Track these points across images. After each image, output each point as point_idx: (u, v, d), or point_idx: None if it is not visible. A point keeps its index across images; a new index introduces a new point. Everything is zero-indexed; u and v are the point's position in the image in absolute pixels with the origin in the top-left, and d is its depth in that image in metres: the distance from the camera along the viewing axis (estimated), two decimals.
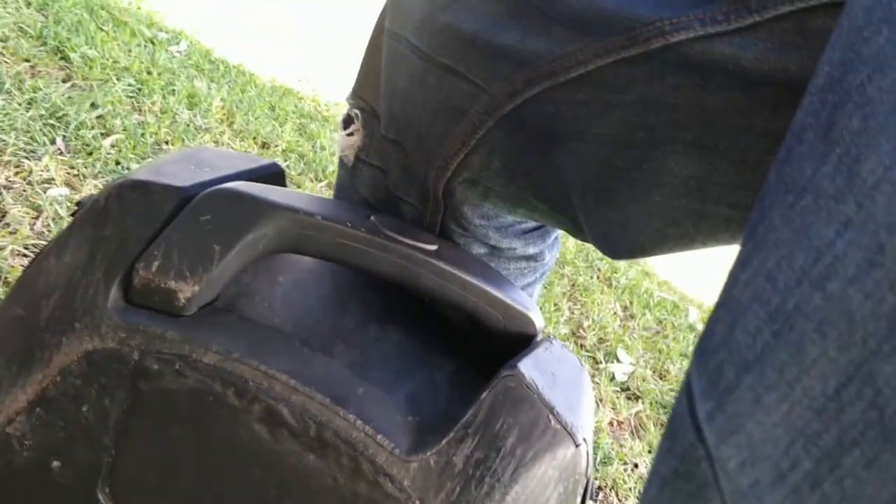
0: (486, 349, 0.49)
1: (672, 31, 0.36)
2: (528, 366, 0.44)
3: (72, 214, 0.44)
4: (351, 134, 0.53)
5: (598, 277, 2.06)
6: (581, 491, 0.45)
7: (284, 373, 0.41)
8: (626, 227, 0.44)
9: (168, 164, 0.45)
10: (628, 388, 1.58)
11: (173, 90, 1.72)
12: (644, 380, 1.63)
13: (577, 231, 0.49)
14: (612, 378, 1.58)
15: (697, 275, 2.59)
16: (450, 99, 0.45)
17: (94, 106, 1.47)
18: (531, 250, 0.55)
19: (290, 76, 2.48)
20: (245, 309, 0.43)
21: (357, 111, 0.53)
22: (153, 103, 1.61)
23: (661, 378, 1.70)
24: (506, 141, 0.45)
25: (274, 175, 0.49)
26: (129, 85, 1.63)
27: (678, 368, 1.77)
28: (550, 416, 0.43)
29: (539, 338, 0.49)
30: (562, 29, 0.40)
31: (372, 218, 0.45)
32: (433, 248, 0.45)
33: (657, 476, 0.25)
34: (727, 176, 0.39)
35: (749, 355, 0.22)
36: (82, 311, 0.41)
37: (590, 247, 2.27)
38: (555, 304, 1.78)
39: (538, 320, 0.49)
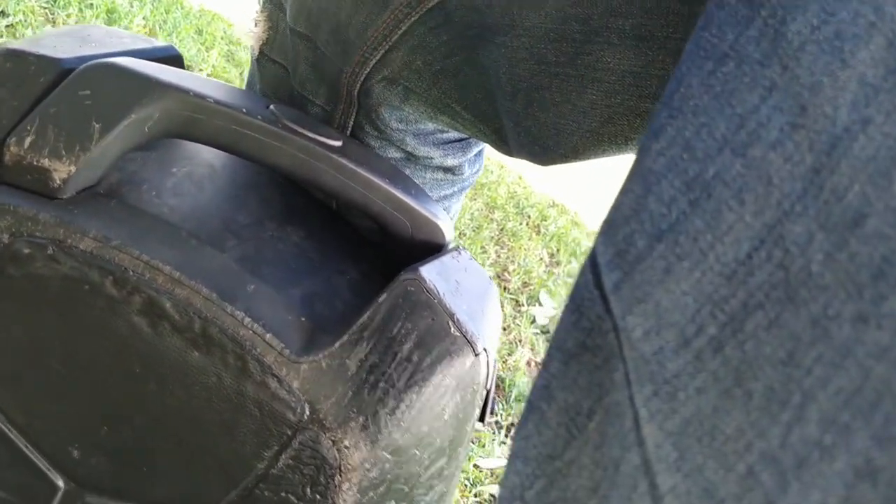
0: (391, 256, 0.48)
1: None
2: (430, 271, 0.42)
3: None
4: (256, 24, 0.49)
5: (527, 224, 2.06)
6: (480, 402, 0.44)
7: (168, 264, 0.38)
8: (559, 129, 0.42)
9: (50, 37, 0.41)
10: (548, 332, 1.60)
11: (91, 4, 1.64)
12: None
13: (500, 142, 0.47)
14: (533, 321, 1.60)
15: None
16: None
17: (3, 14, 1.39)
18: (450, 162, 0.53)
19: (221, 4, 2.39)
20: (129, 196, 0.40)
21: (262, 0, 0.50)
22: (68, 16, 1.53)
23: None
24: (430, 38, 0.42)
25: (171, 58, 0.45)
26: None
27: None
28: (450, 323, 0.41)
29: (449, 248, 0.48)
30: None
31: (271, 107, 0.42)
32: (337, 143, 0.43)
33: (561, 351, 0.25)
34: (665, 68, 0.37)
35: (662, 224, 0.22)
36: None
37: (521, 192, 2.27)
38: (482, 247, 1.78)
39: (448, 231, 0.48)
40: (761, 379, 0.19)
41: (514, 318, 1.57)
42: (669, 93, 0.23)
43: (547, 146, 0.43)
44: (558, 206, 2.44)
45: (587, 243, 2.19)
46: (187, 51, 1.78)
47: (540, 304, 1.69)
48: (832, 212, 0.18)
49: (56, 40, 0.41)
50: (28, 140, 0.37)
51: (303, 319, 0.40)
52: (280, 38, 0.48)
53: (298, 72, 0.48)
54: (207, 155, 0.46)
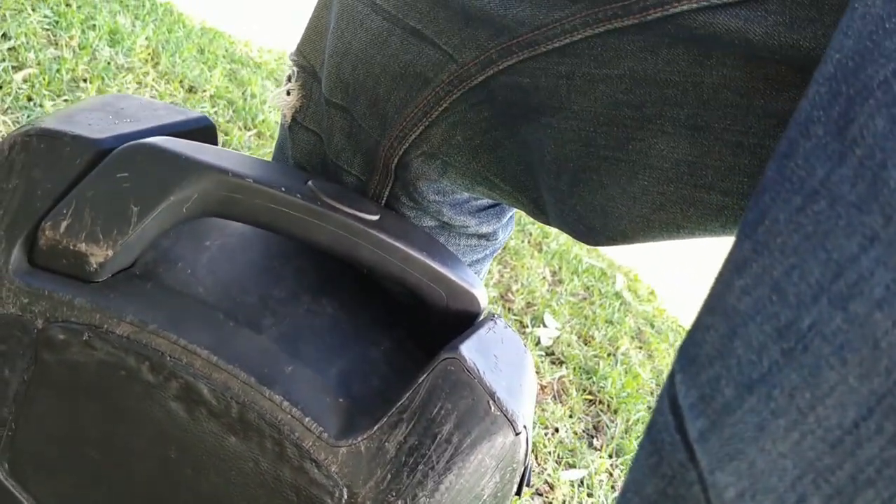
0: (427, 326, 0.47)
1: (672, 1, 0.33)
2: (469, 348, 0.41)
3: None
4: (288, 93, 0.49)
5: (528, 242, 2.05)
6: (518, 479, 0.44)
7: (206, 348, 0.37)
8: (607, 212, 0.41)
9: (82, 113, 0.40)
10: (553, 353, 1.58)
11: (94, 25, 1.63)
12: (569, 345, 1.64)
13: (538, 213, 0.46)
14: (538, 342, 1.59)
15: None
16: (414, 65, 0.42)
17: (5, 37, 1.38)
18: (485, 229, 0.52)
19: (222, 19, 2.39)
20: (165, 276, 0.40)
21: (296, 69, 0.49)
22: (71, 38, 1.53)
23: (585, 344, 1.71)
24: (471, 114, 0.42)
25: (203, 130, 0.45)
26: (46, 17, 1.54)
27: (603, 335, 1.79)
28: (490, 403, 0.40)
29: (483, 316, 0.47)
30: None
31: (310, 183, 0.41)
32: (374, 217, 0.42)
33: (639, 496, 0.23)
34: (722, 159, 0.36)
35: (753, 373, 0.20)
36: None
37: (520, 211, 2.25)
38: None
39: (483, 298, 0.47)
40: None
41: None
42: (751, 223, 0.22)
43: (593, 227, 0.42)
44: None
45: (588, 260, 2.19)
46: (190, 71, 1.77)
47: (544, 326, 1.68)
48: None
49: (89, 116, 0.40)
50: (64, 224, 0.37)
51: (340, 400, 0.39)
52: (314, 106, 0.48)
53: (333, 141, 0.47)
54: (237, 225, 0.46)
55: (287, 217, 0.40)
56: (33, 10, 1.52)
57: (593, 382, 1.52)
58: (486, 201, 0.50)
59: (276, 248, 0.46)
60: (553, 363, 1.55)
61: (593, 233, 0.42)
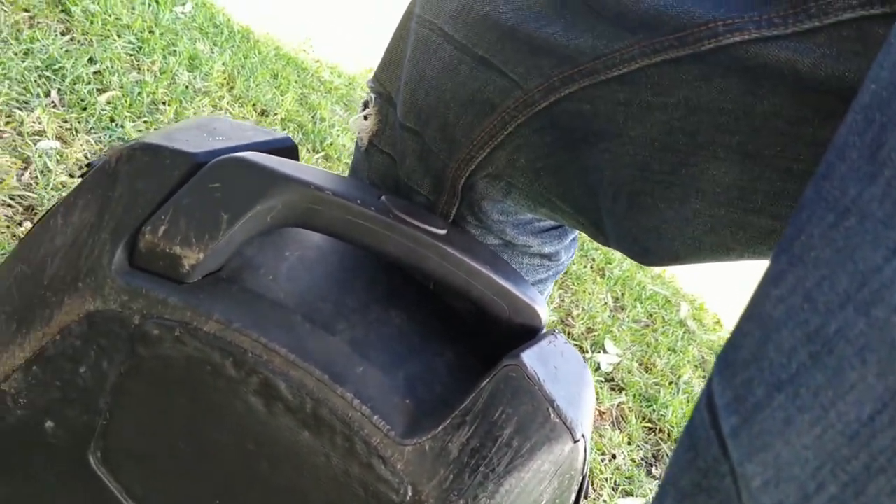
0: (489, 339, 0.49)
1: (725, 33, 0.35)
2: (530, 357, 0.43)
3: (81, 175, 0.43)
4: (366, 118, 0.52)
5: (591, 267, 2.05)
6: (576, 487, 0.45)
7: (284, 346, 0.40)
8: (660, 233, 0.42)
9: (180, 131, 0.44)
10: (612, 379, 1.57)
11: (175, 51, 1.71)
12: (629, 372, 1.62)
13: (598, 234, 0.48)
14: (598, 368, 1.58)
15: (691, 270, 2.58)
16: (482, 92, 0.44)
17: (91, 61, 1.45)
18: (547, 249, 0.54)
19: (294, 40, 2.46)
20: (249, 281, 0.43)
21: (374, 95, 0.52)
22: (153, 63, 1.60)
23: (646, 371, 1.69)
24: (535, 138, 0.44)
25: (287, 149, 0.48)
26: (130, 43, 1.61)
27: (665, 363, 1.76)
28: (550, 410, 0.42)
29: (544, 331, 0.49)
30: (607, 25, 0.39)
31: (383, 198, 0.44)
32: (442, 232, 0.45)
33: (675, 488, 0.25)
34: (771, 184, 0.37)
35: (782, 374, 0.22)
36: (86, 271, 0.40)
37: (584, 235, 2.25)
38: None
39: (544, 314, 0.49)
40: None
41: None
42: (788, 239, 0.23)
43: (647, 248, 0.44)
44: None
45: (652, 287, 2.16)
46: (263, 95, 1.84)
47: (605, 352, 1.66)
48: None
49: (186, 133, 0.44)
50: (162, 229, 0.40)
51: (407, 402, 0.42)
52: (389, 130, 0.51)
53: (405, 163, 0.50)
54: (315, 238, 0.49)
55: (362, 228, 0.43)
56: (119, 36, 1.60)
57: (653, 410, 1.51)
58: (548, 222, 0.52)
59: (348, 261, 0.49)
60: (612, 389, 1.54)
61: (648, 254, 0.44)
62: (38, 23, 1.47)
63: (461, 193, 0.49)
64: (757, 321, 0.23)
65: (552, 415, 0.42)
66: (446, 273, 0.45)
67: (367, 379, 0.41)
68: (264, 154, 0.42)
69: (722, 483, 0.23)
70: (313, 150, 1.76)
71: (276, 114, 1.79)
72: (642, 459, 1.37)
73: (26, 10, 1.48)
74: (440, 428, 0.41)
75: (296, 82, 2.09)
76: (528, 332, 0.48)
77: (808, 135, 0.35)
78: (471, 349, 0.49)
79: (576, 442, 0.43)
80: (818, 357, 0.21)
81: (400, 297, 0.49)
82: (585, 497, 0.47)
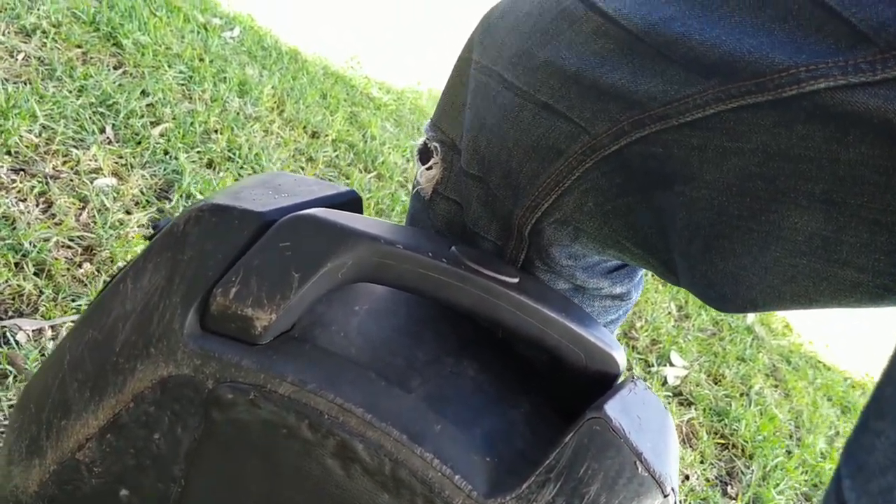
0: (565, 388, 0.47)
1: (808, 79, 0.33)
2: (614, 408, 0.41)
3: (149, 238, 0.43)
4: (430, 168, 0.51)
5: (652, 276, 2.01)
6: None
7: (360, 406, 0.39)
8: (738, 280, 0.40)
9: (246, 189, 0.44)
10: (681, 393, 1.53)
11: (225, 77, 1.73)
12: (698, 384, 1.58)
13: (668, 274, 0.46)
14: (664, 382, 1.54)
15: None
16: (546, 138, 0.43)
17: (144, 94, 1.47)
18: (618, 290, 0.52)
19: (342, 57, 2.48)
20: (320, 338, 0.42)
21: (437, 144, 0.51)
22: (204, 91, 1.62)
23: (715, 383, 1.64)
24: (603, 182, 0.43)
25: (351, 202, 0.47)
26: (181, 72, 1.64)
27: (734, 373, 1.71)
28: (638, 463, 0.40)
29: (622, 378, 0.47)
30: (679, 69, 0.37)
31: (453, 248, 0.43)
32: (514, 280, 0.43)
33: None
34: (858, 236, 0.35)
35: None
36: (158, 336, 0.40)
37: None
38: None
39: (622, 360, 0.47)
40: None
41: (645, 379, 1.52)
42: None
43: (724, 294, 0.42)
44: None
45: None
46: (313, 116, 1.84)
47: (671, 364, 1.63)
48: None
49: (252, 192, 0.43)
50: (233, 291, 0.39)
51: (487, 459, 0.40)
52: (454, 177, 0.50)
53: (471, 210, 0.49)
54: (381, 290, 0.48)
55: (434, 281, 0.42)
56: (169, 66, 1.63)
57: (725, 425, 1.47)
58: (617, 262, 0.50)
59: (417, 312, 0.48)
60: (681, 404, 1.51)
61: (724, 300, 0.42)
62: (91, 58, 1.50)
63: (528, 239, 0.47)
64: (892, 420, 0.21)
65: (640, 469, 0.40)
66: (520, 322, 0.44)
67: (445, 437, 0.40)
68: (332, 210, 0.41)
69: None
70: (365, 171, 1.76)
71: (326, 135, 1.80)
72: (716, 478, 1.33)
73: (79, 47, 1.51)
74: (524, 486, 0.39)
75: (345, 101, 2.10)
76: (606, 380, 0.46)
77: None
78: (548, 400, 0.47)
79: (665, 496, 0.41)
80: None
81: (472, 348, 0.48)
82: None
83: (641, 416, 0.43)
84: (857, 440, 0.22)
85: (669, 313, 1.87)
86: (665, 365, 1.62)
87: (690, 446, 1.38)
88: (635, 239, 0.44)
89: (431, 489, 0.39)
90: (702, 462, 1.33)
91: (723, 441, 1.43)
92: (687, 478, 1.29)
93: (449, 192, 0.51)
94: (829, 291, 0.38)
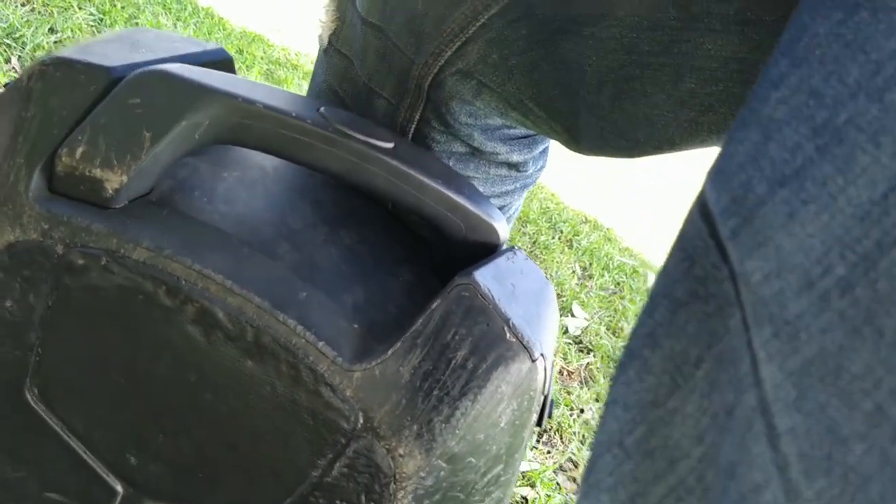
0: (446, 258, 0.46)
1: None
2: (484, 275, 0.41)
3: None
4: (326, 15, 0.48)
5: (559, 238, 2.07)
6: (537, 408, 0.43)
7: (220, 272, 0.38)
8: (652, 121, 0.40)
9: (99, 44, 0.41)
10: (580, 342, 1.61)
11: (136, 23, 1.70)
12: (597, 335, 1.66)
13: (570, 141, 0.45)
14: (566, 331, 1.61)
15: (658, 244, 2.59)
16: None
17: (52, 31, 1.46)
18: (515, 158, 0.51)
19: (263, 27, 2.41)
20: (181, 204, 0.40)
21: None
22: None
23: (614, 335, 1.73)
24: (508, 31, 0.41)
25: (221, 62, 0.45)
26: (91, 14, 1.62)
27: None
28: (506, 329, 0.40)
29: (503, 248, 0.46)
30: None
31: (321, 110, 0.41)
32: (388, 145, 0.42)
33: (668, 299, 0.24)
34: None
35: (785, 170, 0.21)
36: (3, 200, 0.38)
37: (554, 208, 2.26)
38: None
39: (503, 231, 0.46)
40: (894, 315, 0.19)
41: None
42: (789, 42, 0.23)
43: (636, 139, 0.41)
44: (591, 221, 2.43)
45: (619, 258, 2.18)
46: None
47: (573, 315, 1.69)
48: None
49: (105, 47, 0.40)
50: (80, 150, 0.37)
51: (355, 326, 0.40)
52: (347, 28, 0.47)
53: (366, 63, 0.46)
54: (259, 159, 0.46)
55: (298, 143, 0.40)
56: (80, 7, 1.59)
57: None
58: (519, 131, 0.49)
59: (296, 182, 0.46)
60: (581, 351, 1.59)
61: (638, 145, 0.42)
62: None
63: (427, 94, 0.45)
64: (754, 126, 0.23)
65: (507, 334, 0.40)
66: (395, 189, 0.43)
67: (311, 303, 0.39)
68: (188, 66, 0.39)
69: (720, 288, 0.23)
70: None
71: None
72: None
73: None
74: (390, 352, 0.38)
75: (261, 58, 2.05)
76: (487, 250, 0.46)
77: None
78: (428, 269, 0.47)
79: (534, 361, 0.41)
80: (826, 149, 0.21)
81: (351, 217, 0.46)
82: (549, 417, 0.46)
83: (517, 284, 0.43)
84: (721, 154, 0.24)
85: (573, 272, 1.94)
86: (567, 316, 1.68)
87: (587, 386, 1.48)
88: (539, 99, 0.43)
89: (295, 356, 0.38)
90: (597, 401, 1.44)
91: None
92: (582, 411, 1.38)
93: (342, 45, 0.48)
94: None
